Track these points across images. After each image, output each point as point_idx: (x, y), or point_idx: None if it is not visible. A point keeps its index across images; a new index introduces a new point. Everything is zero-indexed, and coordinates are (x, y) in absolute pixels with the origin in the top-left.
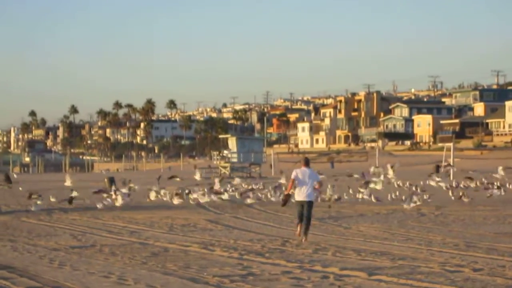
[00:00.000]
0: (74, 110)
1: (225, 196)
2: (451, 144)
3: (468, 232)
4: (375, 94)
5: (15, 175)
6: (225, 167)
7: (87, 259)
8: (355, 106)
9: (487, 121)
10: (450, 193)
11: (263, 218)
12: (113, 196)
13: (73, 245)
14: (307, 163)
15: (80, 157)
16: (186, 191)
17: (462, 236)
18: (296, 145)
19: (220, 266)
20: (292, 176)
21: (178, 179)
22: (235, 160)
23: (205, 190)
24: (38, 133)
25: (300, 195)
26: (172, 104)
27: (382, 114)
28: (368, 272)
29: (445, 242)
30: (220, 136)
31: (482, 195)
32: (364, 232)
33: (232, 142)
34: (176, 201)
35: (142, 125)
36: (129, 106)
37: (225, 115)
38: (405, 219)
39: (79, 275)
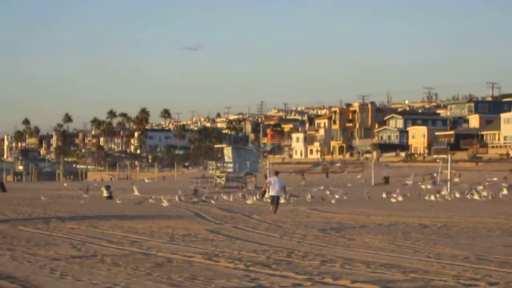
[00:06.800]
0: (68, 118)
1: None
2: (445, 156)
3: (475, 245)
4: (369, 105)
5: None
6: (220, 177)
7: (89, 269)
8: (350, 117)
9: (482, 133)
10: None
11: (264, 228)
12: None
13: (74, 255)
14: (276, 173)
15: (74, 165)
16: None
17: (470, 248)
18: (290, 156)
19: (227, 278)
20: (267, 181)
21: None
22: (230, 170)
23: None
24: (31, 141)
25: (272, 191)
26: (166, 114)
27: (376, 125)
28: (381, 285)
29: (454, 255)
30: (216, 146)
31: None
32: (370, 243)
33: (228, 152)
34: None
35: (136, 134)
36: (123, 115)
37: (219, 125)
38: (408, 231)
39: (82, 286)
